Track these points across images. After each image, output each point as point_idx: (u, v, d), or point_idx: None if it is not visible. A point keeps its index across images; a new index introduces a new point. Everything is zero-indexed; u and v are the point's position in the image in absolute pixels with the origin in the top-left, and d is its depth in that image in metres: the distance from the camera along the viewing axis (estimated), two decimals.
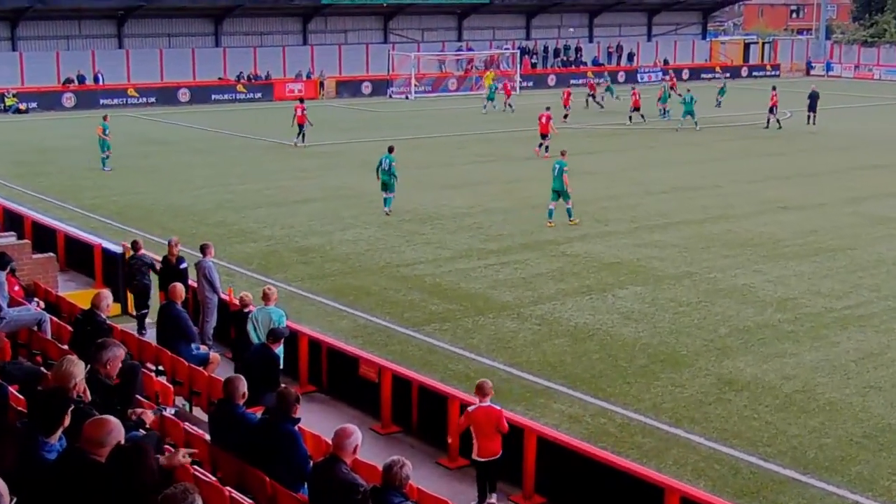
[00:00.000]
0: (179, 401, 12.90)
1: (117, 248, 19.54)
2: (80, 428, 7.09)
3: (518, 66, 70.97)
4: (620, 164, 37.52)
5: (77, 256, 21.41)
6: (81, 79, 58.71)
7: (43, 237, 21.80)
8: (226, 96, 61.40)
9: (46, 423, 7.34)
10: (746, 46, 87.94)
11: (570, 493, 11.86)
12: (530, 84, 70.72)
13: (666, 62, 79.69)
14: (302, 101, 44.43)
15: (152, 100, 58.59)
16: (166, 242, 17.71)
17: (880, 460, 13.19)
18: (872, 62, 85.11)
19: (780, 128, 47.42)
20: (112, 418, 7.20)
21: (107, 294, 13.34)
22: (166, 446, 9.22)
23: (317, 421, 12.25)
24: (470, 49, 73.08)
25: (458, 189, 31.88)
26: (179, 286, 14.96)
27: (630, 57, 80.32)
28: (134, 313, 17.80)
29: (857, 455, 13.32)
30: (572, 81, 64.93)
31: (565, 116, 49.34)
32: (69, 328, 13.45)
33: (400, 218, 27.24)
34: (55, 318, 14.25)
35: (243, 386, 9.99)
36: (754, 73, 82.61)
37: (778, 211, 28.84)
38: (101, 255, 20.25)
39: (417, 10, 72.60)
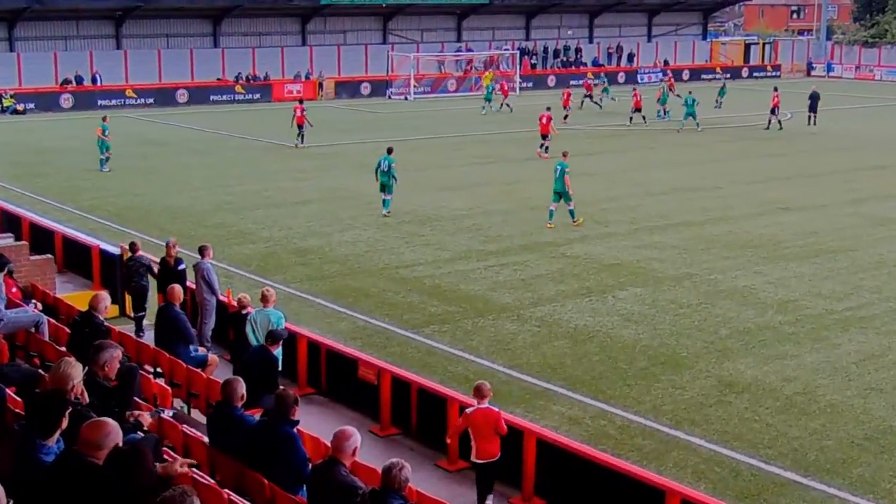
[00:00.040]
0: (178, 403, 12.85)
1: (115, 250, 19.48)
2: (78, 430, 7.07)
3: (518, 66, 70.88)
4: (620, 165, 37.48)
5: (75, 258, 21.35)
6: (79, 79, 58.60)
7: (41, 238, 21.74)
8: (224, 97, 61.30)
9: (44, 426, 7.32)
10: (747, 47, 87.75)
11: (570, 495, 11.82)
12: (530, 85, 70.64)
13: (666, 63, 79.56)
14: (301, 101, 44.40)
15: (150, 100, 58.50)
16: (164, 244, 17.64)
17: (882, 462, 13.15)
18: (873, 63, 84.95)
19: (780, 129, 47.39)
20: (110, 420, 7.17)
21: (105, 296, 13.34)
22: (165, 449, 9.18)
23: (316, 423, 12.21)
24: (469, 50, 73.02)
25: (458, 190, 31.83)
26: (178, 288, 14.91)
27: (630, 58, 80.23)
28: (132, 315, 17.75)
29: (859, 457, 13.28)
30: (572, 82, 64.82)
31: (565, 117, 49.30)
32: (67, 330, 13.39)
33: (399, 219, 27.19)
34: (53, 320, 14.20)
35: (242, 388, 9.96)
36: (755, 74, 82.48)
37: (778, 212, 28.80)
38: (99, 256, 20.20)
39: (417, 11, 72.54)
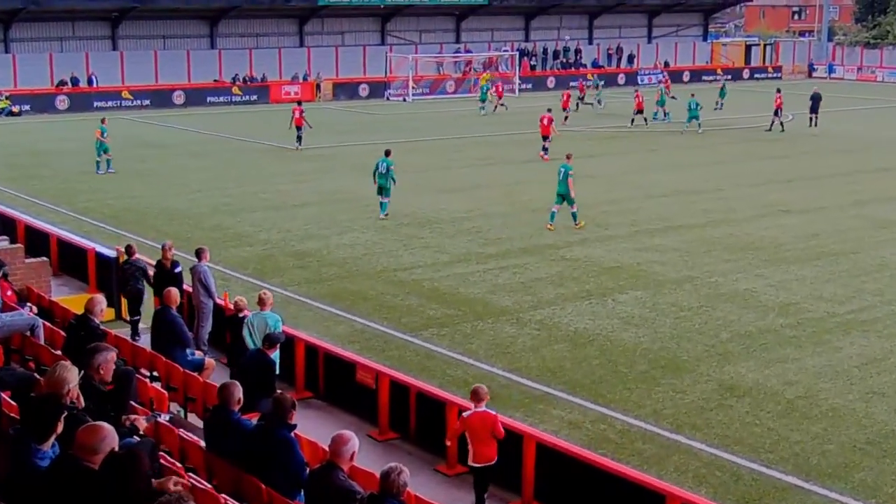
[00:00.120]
0: (174, 407, 12.77)
1: (111, 253, 19.41)
2: (74, 434, 7.04)
3: (517, 68, 70.80)
4: (621, 167, 37.41)
5: (70, 261, 21.24)
6: (75, 81, 58.51)
7: (36, 241, 21.65)
8: (221, 98, 61.20)
9: (39, 430, 7.29)
10: (748, 48, 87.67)
11: (570, 500, 11.76)
12: (529, 86, 70.52)
13: (666, 64, 79.42)
14: (300, 103, 44.28)
15: (147, 102, 58.38)
16: (160, 247, 17.56)
17: (884, 467, 13.10)
18: (875, 64, 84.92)
19: (782, 131, 47.33)
20: (106, 425, 7.14)
21: (100, 299, 13.30)
22: (162, 454, 9.11)
23: (313, 427, 12.13)
24: (468, 51, 72.94)
25: (457, 193, 31.75)
26: (174, 291, 14.84)
27: (630, 59, 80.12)
28: (128, 318, 17.66)
29: (861, 462, 13.23)
30: (572, 84, 64.78)
31: (565, 118, 49.27)
32: (62, 333, 13.36)
33: (398, 222, 27.10)
34: (48, 324, 14.10)
35: (239, 392, 9.91)
36: (756, 76, 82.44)
37: (780, 214, 28.74)
38: (95, 259, 20.10)
39: (415, 12, 72.43)
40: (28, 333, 13.44)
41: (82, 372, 9.12)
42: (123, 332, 16.26)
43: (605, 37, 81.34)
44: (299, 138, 40.98)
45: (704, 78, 77.79)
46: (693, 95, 48.28)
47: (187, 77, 62.50)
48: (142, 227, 26.20)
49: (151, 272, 17.24)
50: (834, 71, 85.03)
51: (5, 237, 20.22)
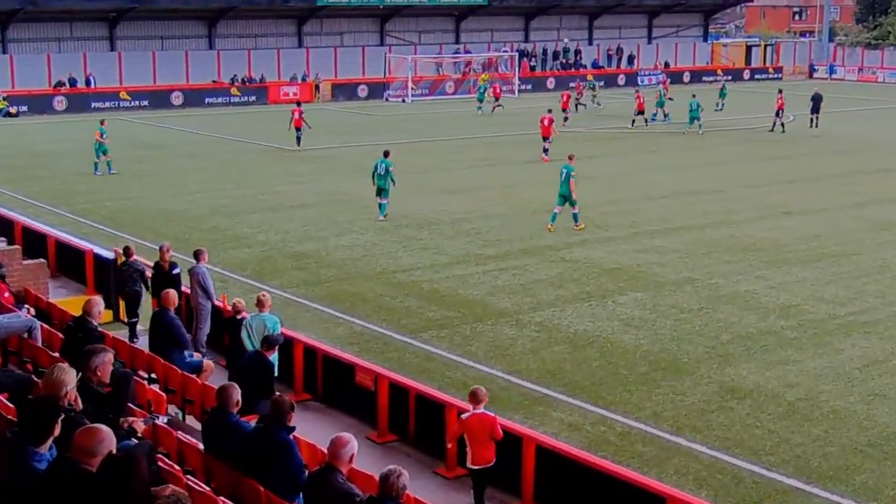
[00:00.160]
0: (172, 409, 12.71)
1: (109, 254, 19.35)
2: (71, 437, 7.03)
3: (516, 68, 70.73)
4: (621, 168, 37.36)
5: (68, 262, 21.21)
6: (73, 81, 58.42)
7: (33, 243, 21.61)
8: (219, 99, 61.12)
9: (36, 433, 7.28)
10: (748, 49, 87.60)
11: (570, 503, 11.72)
12: (529, 87, 70.47)
13: (667, 65, 79.32)
14: (299, 104, 44.19)
15: (145, 103, 58.28)
16: (158, 248, 17.51)
17: (885, 469, 13.07)
18: (876, 65, 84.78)
19: (783, 132, 47.29)
20: (103, 427, 7.14)
21: (98, 301, 13.26)
22: (160, 456, 9.06)
23: (312, 430, 12.10)
24: (468, 52, 72.87)
25: (456, 194, 31.71)
26: (172, 293, 14.83)
27: (630, 59, 79.98)
28: (126, 320, 17.61)
29: (862, 464, 13.19)
30: (571, 84, 64.69)
31: (565, 119, 49.23)
32: (60, 335, 13.32)
33: (397, 223, 27.05)
34: (46, 325, 14.11)
35: (237, 394, 9.89)
36: (756, 76, 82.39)
37: (781, 216, 28.68)
38: (93, 260, 20.05)
39: (414, 12, 72.33)
40: (25, 335, 13.41)
41: (80, 374, 9.09)
42: (121, 334, 16.24)
43: (605, 37, 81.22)
44: (298, 139, 40.94)
45: (705, 79, 77.64)
46: (694, 96, 48.25)
47: (185, 78, 62.43)
48: (140, 229, 26.14)
49: (149, 274, 17.18)
50: (835, 72, 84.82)
51: (3, 238, 20.16)
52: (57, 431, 7.29)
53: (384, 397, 13.76)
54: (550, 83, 71.72)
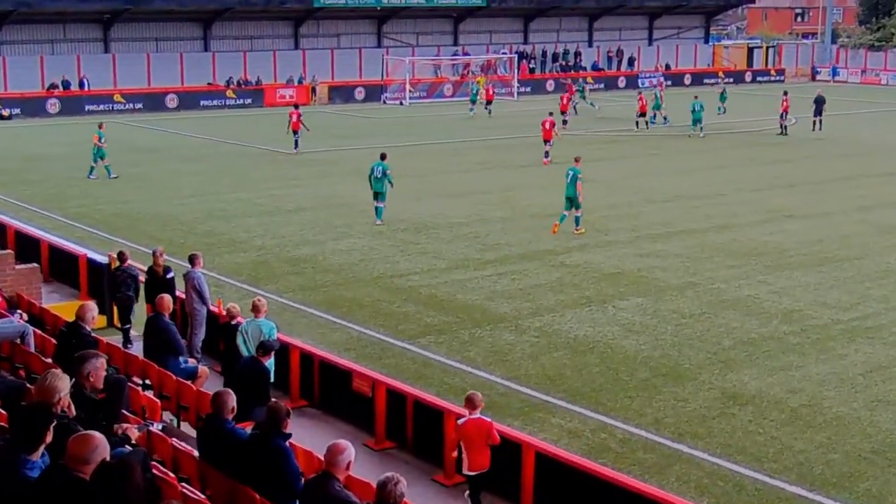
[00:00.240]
0: (167, 416, 12.71)
1: (103, 259, 19.28)
2: (64, 444, 7.00)
3: (515, 71, 70.65)
4: (621, 171, 37.25)
5: (61, 267, 21.14)
6: (66, 84, 58.23)
7: (26, 247, 21.57)
8: (215, 102, 60.96)
9: (28, 440, 7.25)
10: (750, 51, 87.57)
11: None
12: (528, 89, 70.33)
13: (668, 67, 79.27)
14: (297, 106, 44.06)
15: (139, 106, 58.13)
16: (151, 253, 17.41)
17: (889, 476, 12.98)
18: (879, 67, 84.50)
19: (786, 134, 47.29)
20: (97, 434, 7.11)
21: (92, 306, 13.34)
22: (154, 463, 8.99)
23: (309, 436, 12.07)
24: (466, 54, 72.84)
25: (455, 198, 31.59)
26: (167, 298, 14.77)
27: (631, 62, 79.76)
28: (120, 326, 17.50)
29: (866, 471, 13.10)
30: (563, 82, 64.57)
31: (564, 122, 49.18)
32: (53, 341, 13.29)
33: (394, 227, 26.93)
34: (39, 331, 14.09)
35: (232, 400, 9.84)
36: (758, 79, 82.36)
37: (783, 220, 28.59)
38: (87, 265, 20.03)
39: (412, 14, 72.24)
40: (18, 341, 13.46)
41: (73, 380, 9.04)
42: (115, 339, 16.13)
43: (606, 39, 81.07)
44: (296, 142, 40.83)
45: (706, 81, 77.28)
46: (697, 97, 48.17)
47: (180, 80, 62.26)
48: (134, 233, 26.03)
49: (142, 279, 17.07)
50: (837, 74, 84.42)
51: None
52: (49, 438, 7.25)
53: (381, 403, 13.70)
54: (550, 85, 71.50)
